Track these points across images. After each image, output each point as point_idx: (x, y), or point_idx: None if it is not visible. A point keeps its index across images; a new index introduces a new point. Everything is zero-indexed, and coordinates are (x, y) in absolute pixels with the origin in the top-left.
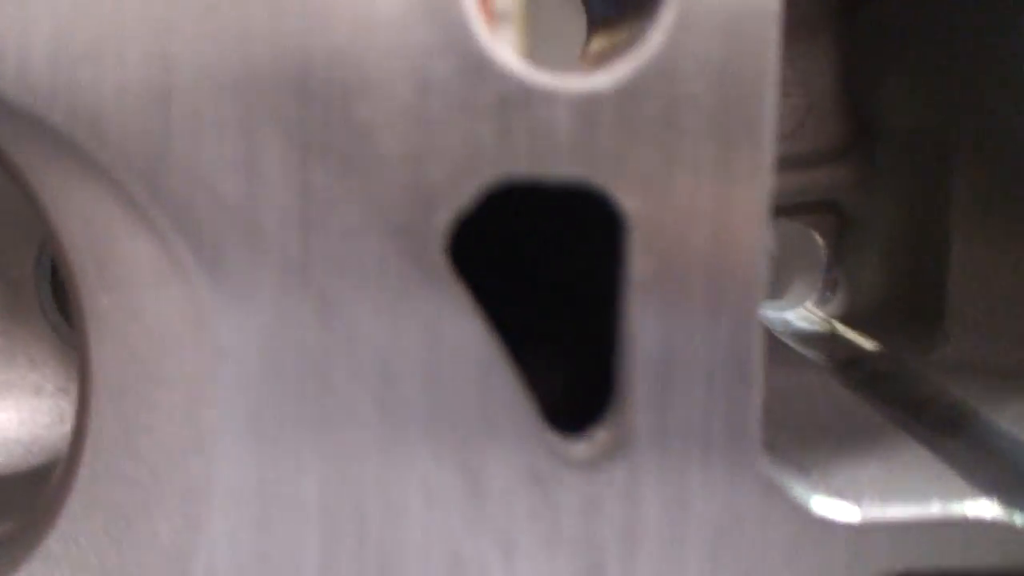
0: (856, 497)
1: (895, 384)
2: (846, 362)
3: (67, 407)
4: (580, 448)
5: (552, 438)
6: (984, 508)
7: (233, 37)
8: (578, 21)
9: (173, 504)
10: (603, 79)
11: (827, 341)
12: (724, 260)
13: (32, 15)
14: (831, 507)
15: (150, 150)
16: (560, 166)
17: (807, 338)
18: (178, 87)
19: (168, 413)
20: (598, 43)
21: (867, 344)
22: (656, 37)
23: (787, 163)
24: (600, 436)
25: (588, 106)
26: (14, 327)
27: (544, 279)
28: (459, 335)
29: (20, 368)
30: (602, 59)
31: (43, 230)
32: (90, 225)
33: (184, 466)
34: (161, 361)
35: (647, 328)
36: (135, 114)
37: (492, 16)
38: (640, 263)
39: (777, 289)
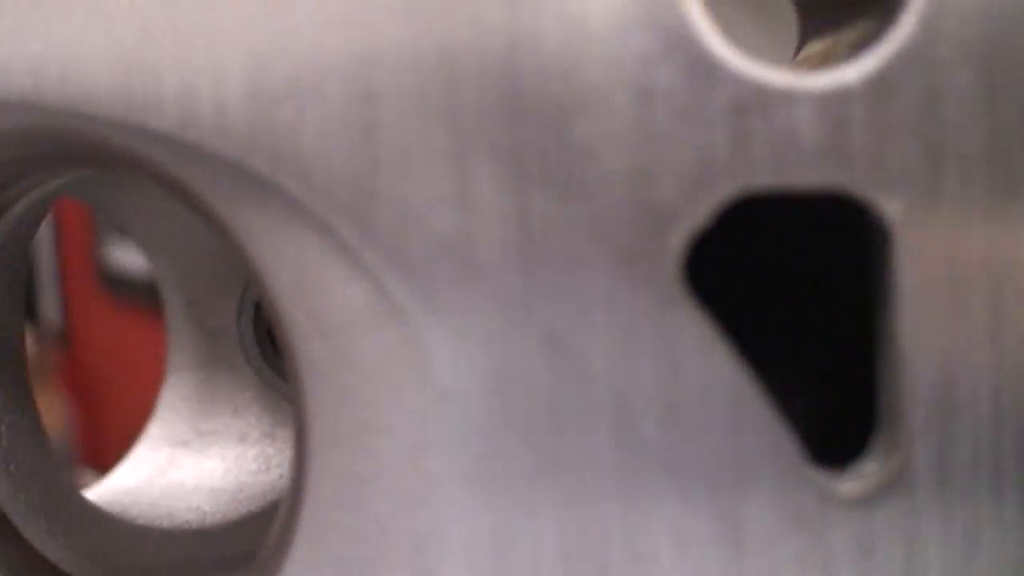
0: None
1: None
2: None
3: (273, 453)
4: (850, 485)
5: (817, 476)
6: None
7: (437, 63)
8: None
9: (402, 557)
10: (850, 73)
11: None
12: (1005, 262)
13: (226, 57)
14: None
15: (357, 188)
16: (807, 173)
17: None
18: (383, 121)
19: (391, 461)
20: (818, 46)
21: None
22: (908, 21)
23: None
24: (871, 470)
25: (835, 104)
26: (216, 375)
27: (780, 296)
28: (703, 367)
29: (224, 416)
30: (829, 58)
31: (244, 276)
32: (299, 271)
33: (412, 516)
34: (381, 407)
35: (922, 346)
36: (340, 152)
37: None
38: (909, 273)
39: None
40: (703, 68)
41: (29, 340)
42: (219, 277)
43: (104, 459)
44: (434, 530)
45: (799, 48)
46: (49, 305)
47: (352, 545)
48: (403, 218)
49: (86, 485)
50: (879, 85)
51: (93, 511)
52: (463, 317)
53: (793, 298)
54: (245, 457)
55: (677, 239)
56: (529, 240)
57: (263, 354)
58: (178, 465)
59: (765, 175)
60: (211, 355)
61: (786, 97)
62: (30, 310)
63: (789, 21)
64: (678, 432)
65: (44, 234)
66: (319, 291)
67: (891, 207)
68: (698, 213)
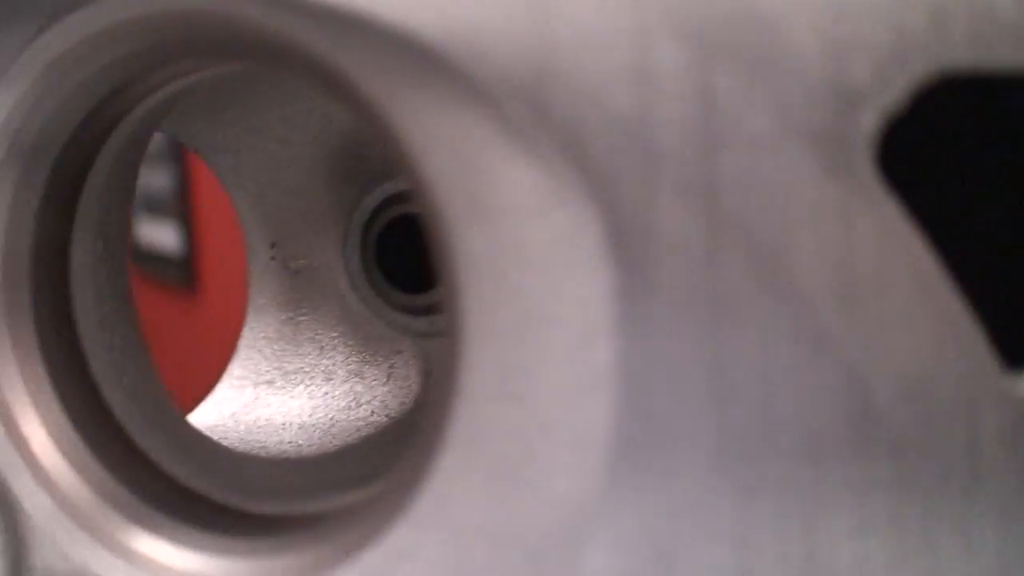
0: None
1: None
2: None
3: (362, 391)
4: None
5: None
6: None
7: None
8: None
9: (566, 453)
10: None
11: None
12: None
13: None
14: None
15: (533, 66)
16: (1006, 52)
17: None
18: None
19: (556, 353)
20: None
21: None
22: None
23: None
24: None
25: None
26: (300, 315)
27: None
28: (897, 260)
29: (309, 355)
30: None
31: (347, 204)
32: (461, 154)
33: (577, 410)
34: (546, 297)
35: None
36: (516, 27)
37: None
38: None
39: None
40: None
41: None
42: (305, 217)
43: None
44: (600, 424)
45: None
46: None
47: (511, 443)
48: (579, 97)
49: None
50: None
51: (197, 433)
52: (637, 201)
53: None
54: (333, 395)
55: (870, 120)
56: (712, 121)
57: (370, 281)
58: (264, 403)
59: (963, 54)
60: (295, 295)
61: None
62: None
63: None
64: (856, 322)
65: None
66: (483, 175)
67: None
68: (893, 93)
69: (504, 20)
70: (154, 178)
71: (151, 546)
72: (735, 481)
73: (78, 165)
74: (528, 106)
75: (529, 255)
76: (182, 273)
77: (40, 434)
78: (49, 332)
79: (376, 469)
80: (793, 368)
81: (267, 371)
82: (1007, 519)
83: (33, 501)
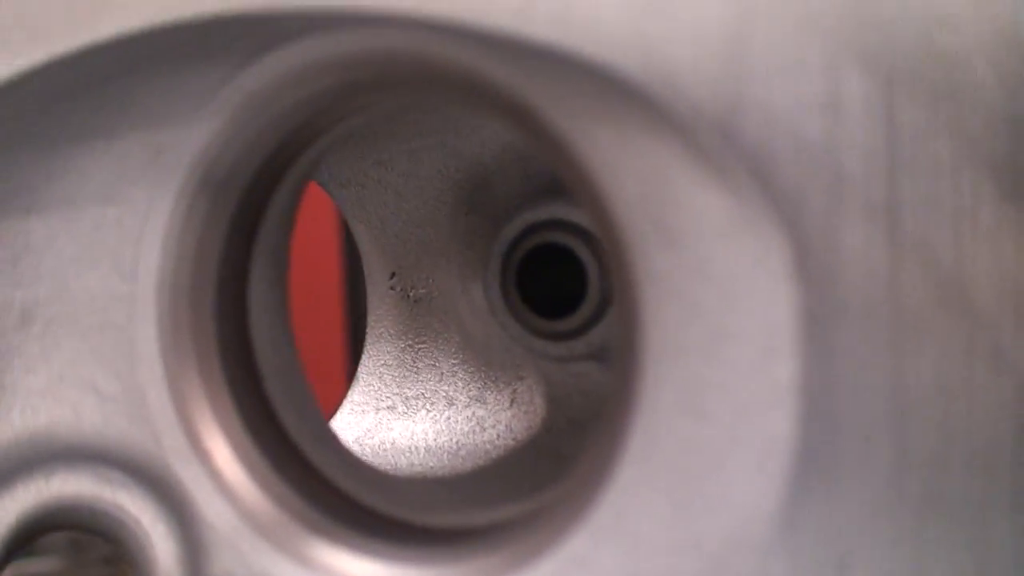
0: None
1: None
2: None
3: (485, 415)
4: None
5: None
6: None
7: None
8: None
9: (748, 463)
10: None
11: None
12: None
13: None
14: None
15: (726, 96)
16: None
17: None
18: (754, 29)
19: (740, 369)
20: None
21: None
22: None
23: None
24: None
25: None
26: (419, 342)
27: None
28: None
29: (429, 382)
30: None
31: (486, 232)
32: (649, 181)
33: (760, 424)
34: (730, 316)
35: None
36: (710, 60)
37: None
38: None
39: None
40: None
41: None
42: (426, 247)
43: None
44: (783, 436)
45: None
46: None
47: (693, 455)
48: (770, 124)
49: None
50: None
51: (348, 449)
52: (826, 226)
53: None
54: (456, 420)
55: None
56: (896, 149)
57: (509, 307)
58: (387, 428)
59: None
60: (415, 323)
61: None
62: None
63: None
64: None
65: None
66: (670, 201)
67: None
68: None
69: (700, 54)
70: None
71: (330, 554)
72: (912, 492)
73: (262, 196)
74: (719, 134)
75: (714, 275)
76: None
77: (223, 449)
78: (230, 354)
79: (519, 487)
80: (969, 383)
81: (388, 397)
82: None
83: (215, 511)
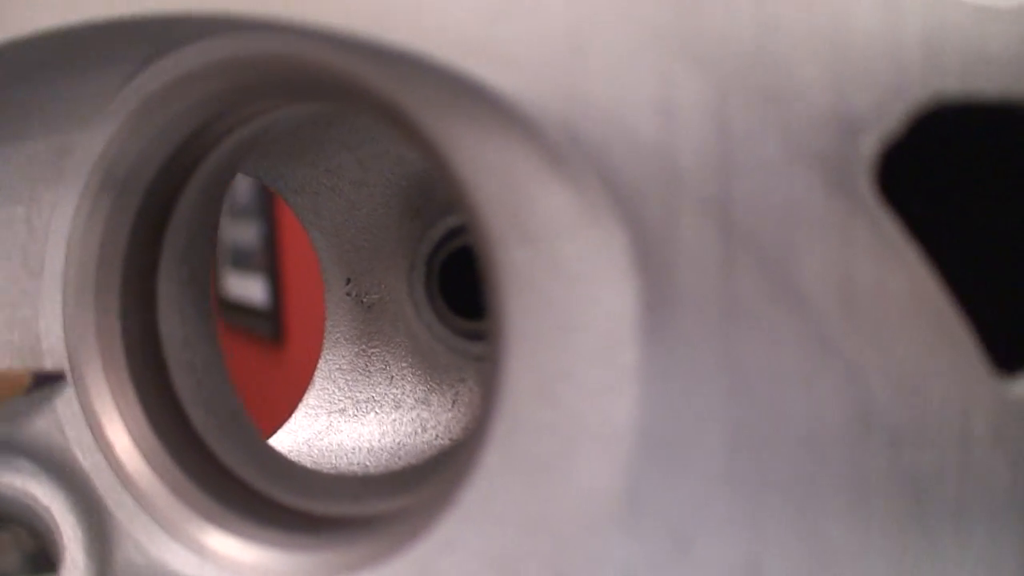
0: None
1: None
2: None
3: (428, 417)
4: None
5: (994, 377)
6: None
7: None
8: None
9: (594, 448)
10: None
11: None
12: None
13: None
14: None
15: (568, 97)
16: (995, 82)
17: None
18: (593, 33)
19: (587, 357)
20: None
21: None
22: None
23: None
24: None
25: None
26: (372, 347)
27: (977, 213)
28: (894, 270)
29: (380, 385)
30: None
31: (413, 239)
32: (506, 180)
33: (605, 409)
34: (579, 307)
35: None
36: (554, 63)
37: None
38: None
39: None
40: None
41: None
42: (376, 253)
43: None
44: (625, 421)
45: None
46: None
47: (546, 441)
48: (609, 124)
49: None
50: None
51: (271, 448)
52: (661, 221)
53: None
54: (401, 421)
55: (869, 145)
56: (728, 147)
57: (434, 308)
58: (336, 430)
59: (954, 83)
60: (368, 328)
61: (978, 11)
62: None
63: None
64: (857, 326)
65: None
66: (524, 198)
67: None
68: (890, 121)
69: (544, 57)
70: (242, 233)
71: (222, 542)
72: (747, 473)
73: (167, 196)
74: (564, 135)
75: (564, 270)
76: (270, 325)
77: (124, 440)
78: (136, 349)
79: (424, 480)
80: (799, 369)
81: (340, 400)
82: (998, 509)
83: (116, 500)
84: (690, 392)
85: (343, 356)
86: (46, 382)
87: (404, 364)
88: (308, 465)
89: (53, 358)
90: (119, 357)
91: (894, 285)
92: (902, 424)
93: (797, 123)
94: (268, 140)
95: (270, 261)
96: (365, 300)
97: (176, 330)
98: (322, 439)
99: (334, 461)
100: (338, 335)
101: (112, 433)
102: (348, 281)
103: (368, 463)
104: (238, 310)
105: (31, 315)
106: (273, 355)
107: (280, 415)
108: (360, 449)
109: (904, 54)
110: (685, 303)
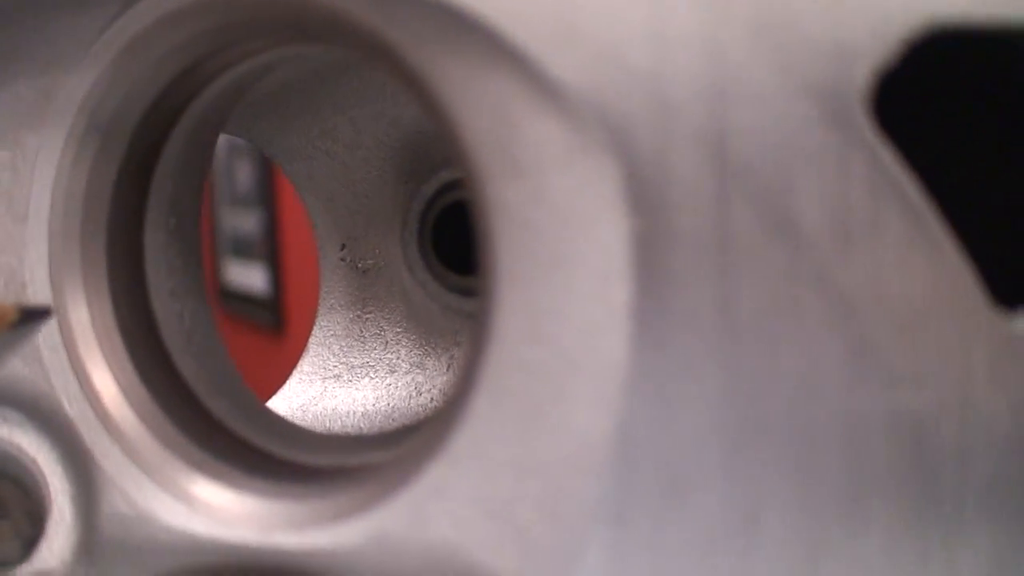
0: None
1: None
2: None
3: (423, 381)
4: None
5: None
6: None
7: None
8: None
9: (586, 387)
10: None
11: None
12: None
13: None
14: None
15: (557, 27)
16: (994, 7)
17: None
18: None
19: (578, 294)
20: None
21: None
22: None
23: None
24: None
25: None
26: (367, 312)
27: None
28: (891, 203)
29: (374, 351)
30: None
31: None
32: (496, 113)
33: (596, 346)
34: (570, 242)
35: None
36: None
37: None
38: None
39: None
40: None
41: None
42: (372, 218)
43: None
44: (617, 360)
45: None
46: None
47: (538, 381)
48: (600, 54)
49: None
50: None
51: (260, 402)
52: (654, 152)
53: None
54: (396, 386)
55: (864, 74)
56: (721, 76)
57: (427, 265)
58: (331, 396)
59: (949, 9)
60: (363, 294)
61: None
62: None
63: None
64: (854, 261)
65: None
66: (515, 130)
67: None
68: (885, 48)
69: None
70: (243, 222)
71: (211, 491)
72: (740, 416)
73: (152, 142)
74: (557, 63)
75: (555, 203)
76: (270, 314)
77: (111, 389)
78: (123, 297)
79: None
80: (793, 303)
81: (335, 366)
82: (1000, 446)
83: (103, 451)
84: (683, 330)
85: (338, 322)
86: (33, 317)
87: (399, 329)
88: (304, 427)
89: (39, 304)
90: (106, 304)
91: (892, 219)
92: (899, 363)
93: (791, 51)
94: (261, 98)
95: (271, 250)
96: (360, 265)
97: (163, 280)
98: (316, 404)
99: (328, 425)
100: (332, 301)
101: (99, 381)
102: (343, 247)
103: (362, 426)
104: (239, 299)
105: (16, 261)
106: (273, 344)
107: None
108: (354, 413)
109: None
110: (678, 237)
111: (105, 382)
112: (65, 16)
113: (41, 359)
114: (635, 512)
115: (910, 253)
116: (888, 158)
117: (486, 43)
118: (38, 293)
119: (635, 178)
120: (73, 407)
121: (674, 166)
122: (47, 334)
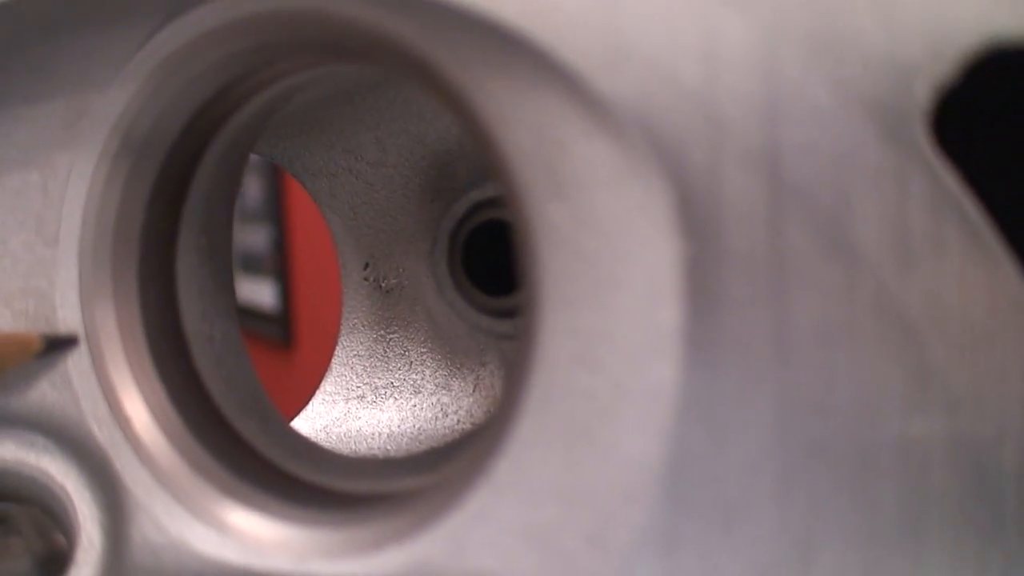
0: None
1: None
2: None
3: (448, 402)
4: None
5: None
6: None
7: None
8: None
9: (635, 412)
10: None
11: None
12: None
13: None
14: None
15: (607, 45)
16: None
17: None
18: None
19: (627, 318)
20: None
21: None
22: None
23: None
24: None
25: None
26: (390, 332)
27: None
28: (950, 222)
29: (398, 371)
30: None
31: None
32: (540, 131)
33: (645, 370)
34: (618, 264)
35: None
36: (591, 9)
37: None
38: None
39: None
40: None
41: None
42: (396, 236)
43: None
44: (667, 383)
45: None
46: None
47: (585, 405)
48: (650, 72)
49: None
50: None
51: (290, 427)
52: (705, 171)
53: None
54: (421, 407)
55: (924, 92)
56: (775, 94)
57: (457, 285)
58: (355, 417)
59: (1011, 26)
60: (386, 313)
61: None
62: None
63: None
64: (913, 283)
65: None
66: (560, 150)
67: None
68: (944, 65)
69: (580, 3)
70: (252, 237)
71: (244, 519)
72: (795, 440)
73: (186, 162)
74: (603, 84)
75: (602, 225)
76: (279, 330)
77: (142, 414)
78: (154, 321)
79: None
80: (850, 325)
81: (358, 387)
82: None
83: (134, 477)
84: (736, 354)
85: (361, 342)
86: (58, 346)
87: (424, 349)
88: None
89: (68, 328)
90: (137, 327)
91: (951, 239)
92: (959, 386)
93: (848, 69)
94: (286, 117)
95: (280, 266)
96: (383, 285)
97: (195, 302)
98: (340, 426)
99: (353, 447)
100: (355, 321)
101: (130, 405)
102: (366, 266)
103: (388, 448)
104: (248, 314)
105: (46, 284)
106: (283, 359)
107: (290, 419)
108: (379, 435)
109: None
110: (731, 259)
111: (136, 407)
112: (99, 34)
113: (71, 384)
114: (685, 541)
115: (970, 273)
116: (948, 177)
117: (533, 61)
118: (68, 317)
119: (686, 198)
120: (103, 432)
121: (726, 186)
122: (77, 359)
